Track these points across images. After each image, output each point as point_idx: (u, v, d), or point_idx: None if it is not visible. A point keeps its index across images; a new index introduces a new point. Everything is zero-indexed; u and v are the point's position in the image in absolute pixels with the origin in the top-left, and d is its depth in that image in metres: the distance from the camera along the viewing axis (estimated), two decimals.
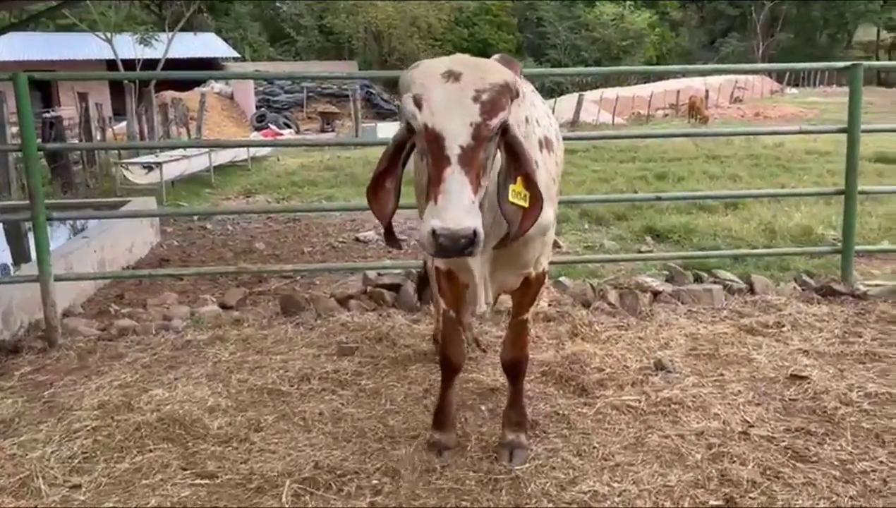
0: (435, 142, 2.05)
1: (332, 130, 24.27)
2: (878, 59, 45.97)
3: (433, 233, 1.98)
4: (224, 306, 5.13)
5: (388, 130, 19.19)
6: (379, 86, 29.77)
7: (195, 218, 9.01)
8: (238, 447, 3.06)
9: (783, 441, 3.08)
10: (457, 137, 2.05)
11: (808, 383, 3.61)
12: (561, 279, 5.13)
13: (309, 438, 3.12)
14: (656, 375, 3.74)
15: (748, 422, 3.25)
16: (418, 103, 2.09)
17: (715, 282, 5.04)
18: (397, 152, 2.31)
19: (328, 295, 4.85)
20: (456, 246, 1.98)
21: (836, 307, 4.70)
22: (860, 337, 4.25)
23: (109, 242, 6.48)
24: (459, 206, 1.99)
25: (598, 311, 4.61)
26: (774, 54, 45.86)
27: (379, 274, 5.11)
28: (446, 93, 2.08)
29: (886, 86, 38.17)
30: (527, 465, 2.90)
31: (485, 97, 2.11)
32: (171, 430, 3.18)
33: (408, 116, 2.11)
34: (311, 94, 27.79)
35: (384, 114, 27.44)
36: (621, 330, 4.35)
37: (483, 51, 42.06)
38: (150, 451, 3.03)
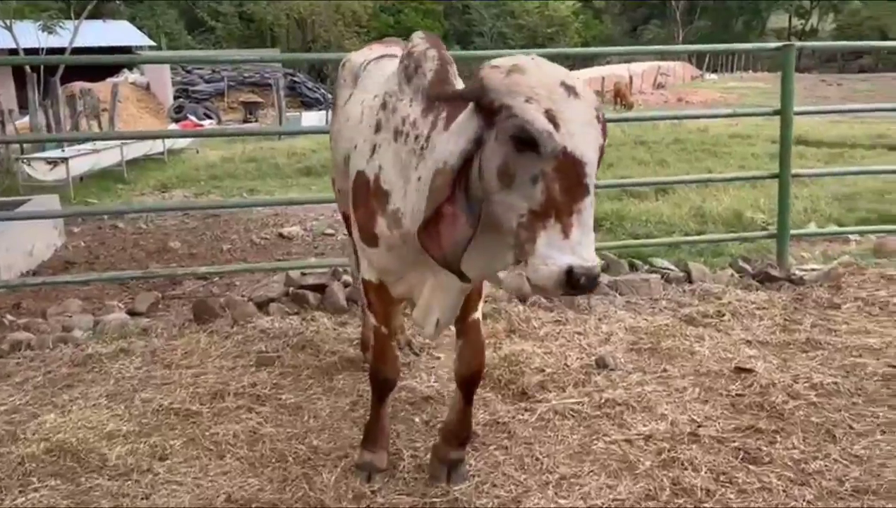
0: (572, 168, 1.72)
1: (256, 120, 23.48)
2: None
3: (570, 271, 1.68)
4: (133, 313, 4.69)
5: (312, 119, 18.64)
6: (303, 74, 29.00)
7: (105, 216, 8.40)
8: (139, 480, 2.69)
9: (734, 441, 2.92)
10: (592, 163, 1.76)
11: (754, 376, 3.48)
12: None
13: (221, 465, 2.78)
14: (599, 374, 3.54)
15: (696, 422, 3.08)
16: (553, 121, 1.72)
17: (652, 272, 4.91)
18: (460, 175, 1.87)
19: (246, 298, 4.47)
20: (592, 285, 1.70)
21: (774, 293, 4.61)
22: (800, 324, 4.16)
23: (5, 245, 5.92)
24: (592, 242, 1.74)
25: (535, 306, 4.39)
26: (694, 41, 46.97)
27: (303, 274, 4.75)
28: (578, 111, 1.77)
29: (801, 72, 39.62)
30: (466, 484, 2.64)
31: (601, 115, 1.83)
32: (62, 463, 2.79)
33: (536, 133, 1.71)
34: (232, 84, 26.77)
35: (309, 103, 26.73)
36: (560, 325, 4.14)
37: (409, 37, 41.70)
38: (35, 490, 2.63)
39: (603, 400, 3.24)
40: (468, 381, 2.57)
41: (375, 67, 2.87)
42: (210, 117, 21.64)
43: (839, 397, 3.28)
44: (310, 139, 14.51)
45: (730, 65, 45.63)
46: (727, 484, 2.63)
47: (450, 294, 2.25)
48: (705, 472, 2.69)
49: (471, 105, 1.88)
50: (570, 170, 1.72)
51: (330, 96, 28.88)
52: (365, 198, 2.29)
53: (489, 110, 1.80)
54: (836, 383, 3.38)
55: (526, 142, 1.73)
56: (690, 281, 4.80)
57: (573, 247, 1.70)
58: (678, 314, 4.32)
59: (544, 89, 1.76)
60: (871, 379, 3.43)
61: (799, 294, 4.60)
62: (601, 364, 3.61)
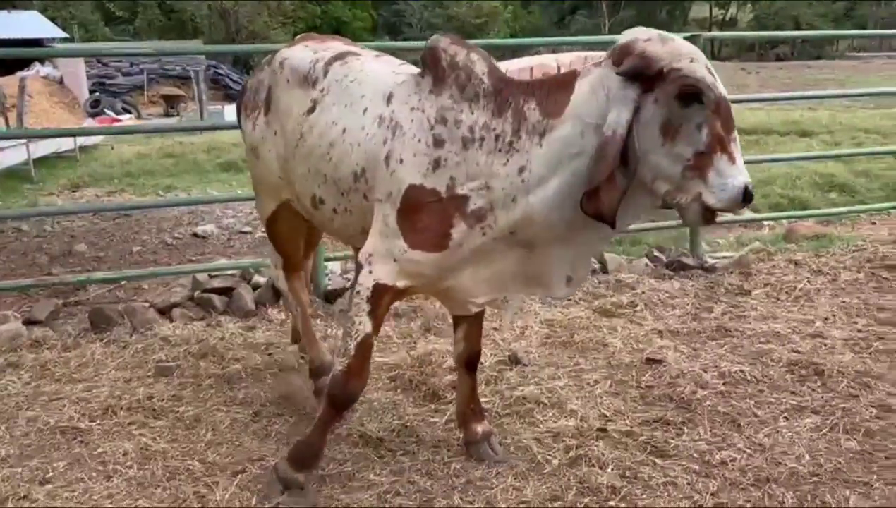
0: (727, 110, 2.07)
1: (178, 114, 22.70)
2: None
3: (746, 188, 2.03)
4: (30, 322, 4.39)
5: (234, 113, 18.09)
6: (227, 66, 28.20)
7: (8, 219, 7.93)
8: None
9: (642, 435, 2.91)
10: None
11: (664, 366, 3.49)
12: None
13: (107, 487, 2.60)
14: (511, 370, 3.49)
15: (606, 416, 3.06)
16: (711, 74, 2.07)
17: None
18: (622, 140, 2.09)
19: (147, 304, 4.25)
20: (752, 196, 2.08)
21: (687, 282, 4.67)
22: (711, 312, 4.22)
23: None
24: None
25: None
26: (621, 31, 47.78)
27: (211, 277, 4.55)
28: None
29: (721, 60, 40.81)
30: (368, 494, 2.54)
31: None
32: None
33: (703, 87, 2.04)
34: (152, 76, 25.76)
35: (234, 96, 26.00)
36: None
37: (337, 29, 41.05)
38: None
39: (513, 398, 3.19)
40: (473, 359, 2.84)
41: (351, 71, 2.63)
42: (129, 112, 20.82)
43: (746, 385, 3.32)
44: (233, 134, 14.09)
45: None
46: (633, 480, 2.61)
47: (590, 248, 2.50)
48: (612, 469, 2.66)
49: (618, 79, 2.09)
50: (726, 112, 2.06)
51: None
52: (430, 207, 2.32)
53: (652, 77, 2.05)
54: (742, 371, 3.42)
55: (692, 96, 2.04)
56: (606, 272, 4.81)
57: (740, 169, 2.05)
58: (592, 305, 4.32)
59: (693, 54, 2.08)
60: (776, 366, 3.49)
61: (711, 282, 4.67)
62: (514, 360, 3.56)
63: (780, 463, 2.70)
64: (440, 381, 3.34)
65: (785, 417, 3.03)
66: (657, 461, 2.73)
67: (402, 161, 2.34)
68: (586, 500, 2.50)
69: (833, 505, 2.47)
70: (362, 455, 2.79)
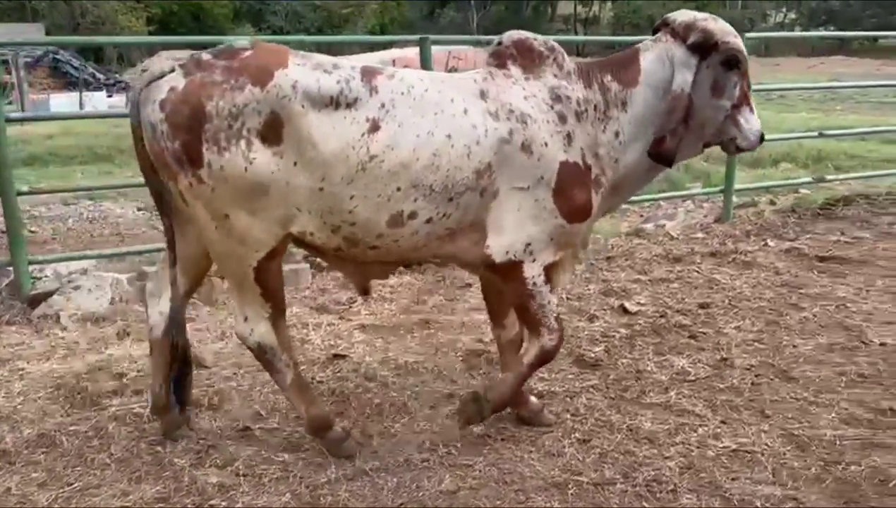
0: (748, 73, 2.82)
1: (9, 102, 21.13)
2: (575, 32, 50.96)
3: (762, 133, 2.83)
4: None
5: (63, 103, 17.13)
6: (68, 52, 26.53)
7: None
8: None
9: (285, 430, 2.96)
10: None
11: (345, 361, 3.58)
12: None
13: None
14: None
15: (261, 416, 3.10)
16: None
17: (306, 260, 4.92)
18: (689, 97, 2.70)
19: None
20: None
21: (418, 275, 4.81)
22: (425, 304, 4.36)
23: None
24: None
25: None
26: (489, 25, 48.71)
27: None
28: None
29: (586, 57, 42.33)
30: None
31: None
32: None
33: (741, 56, 2.74)
34: None
35: (75, 83, 24.48)
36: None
37: (196, 15, 39.59)
38: None
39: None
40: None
41: (412, 82, 2.59)
42: None
43: (415, 375, 3.45)
44: (57, 125, 13.36)
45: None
46: (248, 478, 2.65)
47: (639, 184, 3.04)
48: (232, 469, 2.69)
49: (683, 50, 2.72)
50: (748, 75, 2.80)
51: (102, 77, 26.70)
52: (578, 180, 2.70)
53: (708, 48, 2.69)
54: (417, 362, 3.56)
55: (733, 62, 2.72)
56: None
57: (756, 118, 2.81)
58: (315, 303, 4.37)
59: (733, 29, 2.77)
60: (454, 355, 3.65)
61: (442, 275, 4.82)
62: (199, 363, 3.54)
63: (401, 452, 2.81)
64: (101, 387, 3.28)
65: (431, 406, 3.17)
66: (286, 456, 2.78)
67: (546, 144, 2.64)
68: (191, 500, 2.52)
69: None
70: None
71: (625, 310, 4.22)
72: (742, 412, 3.09)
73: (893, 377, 3.38)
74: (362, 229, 2.57)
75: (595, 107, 2.73)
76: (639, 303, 4.34)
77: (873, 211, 6.40)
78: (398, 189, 2.52)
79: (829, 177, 7.34)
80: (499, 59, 2.74)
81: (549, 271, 2.79)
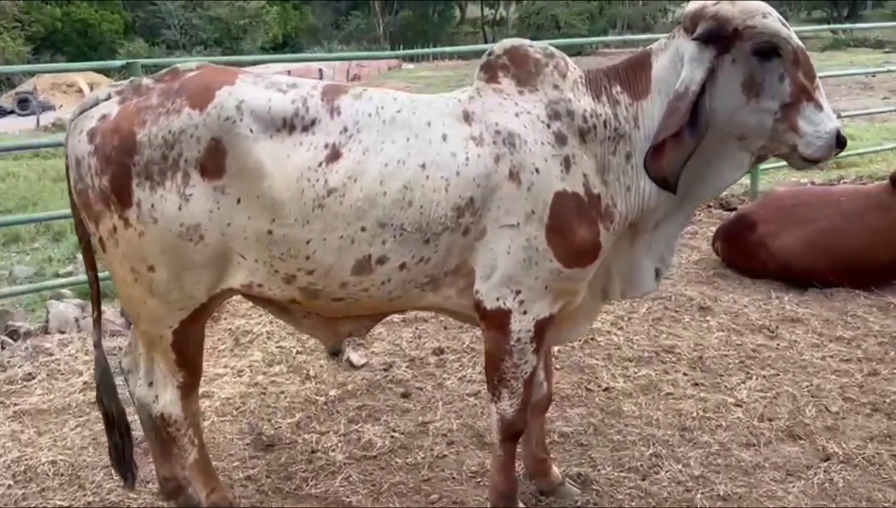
0: (805, 57, 2.12)
1: None
2: (484, 35, 51.00)
3: (837, 133, 2.08)
4: None
5: None
6: None
7: None
8: None
9: None
10: None
11: None
12: None
13: None
14: None
15: None
16: (785, 26, 2.10)
17: None
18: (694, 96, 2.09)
19: None
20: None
21: None
22: None
23: None
24: None
25: None
26: (395, 31, 48.27)
27: None
28: None
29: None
30: None
31: None
32: None
33: (779, 40, 2.08)
34: None
35: None
36: None
37: (84, 32, 37.45)
38: None
39: None
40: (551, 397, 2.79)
41: (380, 102, 2.18)
42: None
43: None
44: None
45: (428, 54, 47.38)
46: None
47: (675, 235, 2.40)
48: None
49: (693, 45, 2.10)
50: (805, 61, 2.11)
51: None
52: (578, 214, 2.16)
53: (728, 37, 2.07)
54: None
55: (769, 49, 2.08)
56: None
57: (828, 115, 2.09)
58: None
59: (763, 7, 2.10)
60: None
61: None
62: None
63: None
64: None
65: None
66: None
67: (538, 170, 2.12)
68: None
69: None
70: None
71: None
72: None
73: None
74: (323, 278, 2.15)
75: (605, 123, 2.22)
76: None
77: None
78: (363, 229, 2.10)
79: None
80: (489, 73, 2.26)
81: (557, 321, 2.31)
